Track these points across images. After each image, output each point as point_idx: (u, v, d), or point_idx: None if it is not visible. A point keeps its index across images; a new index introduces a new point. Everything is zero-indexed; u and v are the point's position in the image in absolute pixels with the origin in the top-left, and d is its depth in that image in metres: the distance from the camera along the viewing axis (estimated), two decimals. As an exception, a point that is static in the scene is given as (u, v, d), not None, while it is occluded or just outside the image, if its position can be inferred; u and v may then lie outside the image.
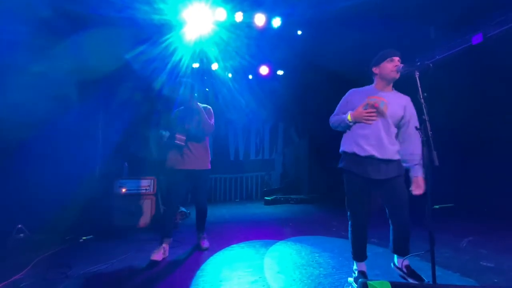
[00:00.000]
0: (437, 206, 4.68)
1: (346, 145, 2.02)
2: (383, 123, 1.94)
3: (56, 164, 3.37)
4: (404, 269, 1.98)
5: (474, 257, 2.48)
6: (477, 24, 3.59)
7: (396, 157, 1.94)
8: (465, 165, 4.45)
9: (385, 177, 1.89)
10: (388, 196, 1.94)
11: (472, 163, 4.39)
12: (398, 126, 1.99)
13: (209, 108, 2.94)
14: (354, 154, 1.95)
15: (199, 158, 2.79)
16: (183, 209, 4.60)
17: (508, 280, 2.00)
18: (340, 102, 2.14)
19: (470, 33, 3.68)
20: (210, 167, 2.91)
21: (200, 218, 2.98)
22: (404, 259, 2.01)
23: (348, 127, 2.01)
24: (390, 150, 1.92)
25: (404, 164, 1.98)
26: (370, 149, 1.90)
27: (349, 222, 2.03)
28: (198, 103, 2.84)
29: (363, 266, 2.01)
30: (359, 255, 2.00)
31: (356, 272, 2.01)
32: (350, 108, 2.03)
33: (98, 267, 2.44)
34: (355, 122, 1.97)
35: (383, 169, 1.90)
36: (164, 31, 4.09)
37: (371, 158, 1.90)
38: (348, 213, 2.04)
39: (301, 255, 2.69)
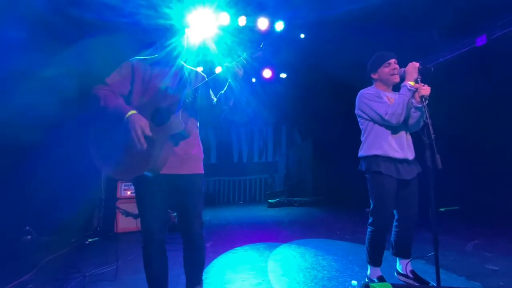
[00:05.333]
0: (442, 209, 4.64)
1: (376, 148, 1.93)
2: (405, 122, 1.95)
3: (63, 167, 3.42)
4: (410, 275, 1.97)
5: (479, 260, 2.45)
6: (481, 26, 3.58)
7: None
8: (471, 168, 4.42)
9: (412, 177, 1.93)
10: (407, 195, 1.95)
11: (478, 165, 4.35)
12: None
13: (202, 75, 1.79)
14: (388, 158, 1.90)
15: (187, 157, 1.60)
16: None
17: (514, 284, 1.98)
18: (373, 100, 1.96)
19: (473, 35, 3.67)
20: (203, 171, 1.70)
21: (192, 259, 1.66)
22: (407, 264, 2.00)
23: (413, 94, 1.83)
24: (412, 148, 1.98)
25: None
26: (403, 153, 1.90)
27: (372, 227, 1.94)
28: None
29: (379, 271, 1.97)
30: (379, 260, 1.96)
31: (375, 279, 1.95)
32: (383, 100, 1.95)
33: (104, 269, 2.47)
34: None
35: (411, 168, 1.94)
36: (168, 35, 4.16)
37: (405, 160, 1.92)
38: (375, 217, 1.93)
39: (305, 258, 2.69)
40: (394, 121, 1.84)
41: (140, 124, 1.38)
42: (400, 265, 2.04)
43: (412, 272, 1.98)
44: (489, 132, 4.16)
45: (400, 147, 1.91)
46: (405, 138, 1.95)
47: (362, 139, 2.07)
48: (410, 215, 1.96)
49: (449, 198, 4.58)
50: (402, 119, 1.84)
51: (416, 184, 1.97)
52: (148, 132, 1.40)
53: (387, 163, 1.89)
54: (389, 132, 1.93)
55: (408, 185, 1.94)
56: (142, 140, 1.38)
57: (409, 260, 1.99)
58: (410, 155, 1.94)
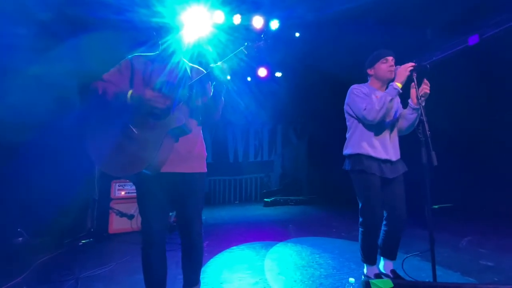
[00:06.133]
0: (436, 206, 4.70)
1: (360, 147, 1.94)
2: (392, 123, 1.98)
3: (55, 167, 3.36)
4: (391, 274, 1.96)
5: (473, 257, 2.49)
6: (473, 25, 3.63)
7: (400, 156, 2.00)
8: (463, 165, 4.48)
9: (397, 175, 1.94)
10: (392, 194, 1.95)
11: (470, 162, 4.41)
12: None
13: (203, 72, 1.67)
14: (371, 157, 1.91)
15: (189, 155, 1.57)
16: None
17: (508, 279, 2.01)
18: (358, 95, 1.97)
19: (466, 34, 3.72)
20: (206, 170, 1.67)
21: (191, 259, 1.64)
22: (390, 264, 1.99)
23: (397, 94, 1.85)
24: (398, 149, 2.00)
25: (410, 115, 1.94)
26: (386, 154, 1.92)
27: (364, 226, 1.94)
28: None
29: (376, 269, 1.97)
30: (373, 258, 1.95)
31: (373, 276, 1.95)
32: (369, 97, 1.95)
33: (98, 270, 2.43)
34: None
35: (395, 167, 1.96)
36: (162, 33, 4.12)
37: (387, 161, 1.93)
38: (365, 216, 1.93)
39: (302, 256, 2.69)
40: (370, 117, 1.84)
41: (150, 94, 1.40)
42: (383, 263, 2.02)
43: (393, 271, 1.97)
44: (481, 130, 4.22)
45: (383, 148, 1.93)
46: (389, 139, 1.96)
47: (347, 136, 2.09)
48: (397, 214, 1.94)
49: (441, 195, 4.63)
50: (379, 116, 1.83)
51: (401, 183, 1.97)
52: (157, 95, 1.41)
53: (370, 161, 1.91)
54: (372, 132, 1.95)
55: (392, 184, 1.94)
56: (166, 103, 1.41)
57: (392, 261, 1.99)
58: (394, 156, 1.95)
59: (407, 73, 1.80)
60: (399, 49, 2.08)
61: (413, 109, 1.89)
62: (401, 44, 3.38)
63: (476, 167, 4.31)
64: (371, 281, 1.21)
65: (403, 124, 1.99)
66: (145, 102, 1.39)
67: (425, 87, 1.81)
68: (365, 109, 1.87)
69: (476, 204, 4.27)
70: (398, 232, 1.97)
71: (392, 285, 1.15)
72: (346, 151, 2.05)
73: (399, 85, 1.82)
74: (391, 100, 1.82)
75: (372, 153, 1.91)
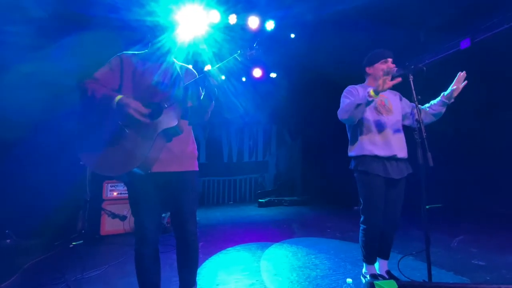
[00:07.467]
0: (427, 207, 4.77)
1: (363, 149, 1.93)
2: (395, 120, 1.97)
3: (45, 167, 3.28)
4: (386, 275, 1.97)
5: (465, 256, 2.53)
6: (466, 28, 3.69)
7: (407, 155, 1.98)
8: (453, 165, 4.56)
9: (402, 176, 1.93)
10: (395, 195, 1.95)
11: (460, 162, 4.49)
12: (403, 118, 2.05)
13: (192, 71, 1.73)
14: (376, 156, 1.89)
15: (182, 154, 1.58)
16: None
17: (499, 278, 2.05)
18: (345, 96, 2.00)
19: (459, 37, 3.79)
20: (198, 168, 1.67)
21: (186, 260, 1.61)
22: (385, 264, 2.00)
23: (368, 104, 1.78)
24: (404, 146, 1.97)
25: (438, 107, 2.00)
26: (390, 150, 1.89)
27: (364, 226, 1.94)
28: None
29: (374, 268, 1.98)
30: (373, 257, 1.97)
31: (368, 276, 1.96)
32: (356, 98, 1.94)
33: (91, 273, 2.37)
34: (377, 94, 1.72)
35: (401, 168, 1.94)
36: (156, 32, 4.07)
37: (392, 158, 1.91)
38: (366, 216, 1.94)
39: (297, 257, 2.69)
40: (339, 116, 1.91)
41: (134, 105, 1.38)
42: (378, 265, 2.03)
43: (388, 272, 1.99)
44: (471, 130, 4.30)
45: (386, 144, 1.90)
46: (390, 134, 1.93)
47: (348, 136, 2.09)
48: (393, 216, 1.96)
49: (432, 195, 4.70)
50: (343, 117, 1.88)
51: (403, 185, 1.98)
52: (145, 110, 1.40)
53: (375, 162, 1.90)
54: (372, 129, 1.94)
55: (396, 185, 1.94)
56: (144, 118, 1.40)
57: (387, 260, 2.01)
58: (400, 152, 1.93)
59: (385, 80, 1.70)
60: (392, 51, 2.09)
61: (443, 102, 1.96)
62: (394, 46, 3.41)
63: (466, 167, 4.39)
64: (376, 282, 1.22)
65: (426, 117, 1.99)
66: (127, 111, 1.37)
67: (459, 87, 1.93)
68: (340, 107, 1.93)
69: (467, 204, 4.35)
70: (391, 233, 1.99)
71: (396, 286, 1.15)
72: (351, 153, 2.04)
73: (372, 93, 1.72)
74: (358, 106, 1.78)
75: (375, 151, 1.89)
